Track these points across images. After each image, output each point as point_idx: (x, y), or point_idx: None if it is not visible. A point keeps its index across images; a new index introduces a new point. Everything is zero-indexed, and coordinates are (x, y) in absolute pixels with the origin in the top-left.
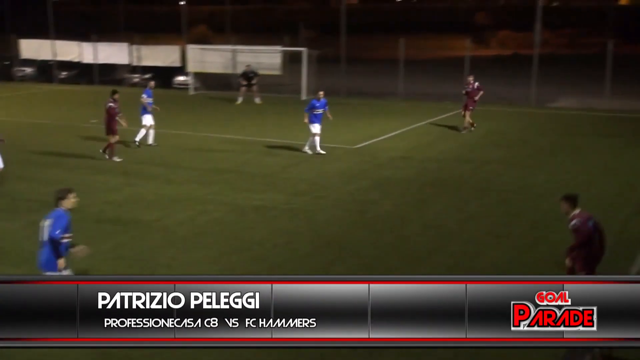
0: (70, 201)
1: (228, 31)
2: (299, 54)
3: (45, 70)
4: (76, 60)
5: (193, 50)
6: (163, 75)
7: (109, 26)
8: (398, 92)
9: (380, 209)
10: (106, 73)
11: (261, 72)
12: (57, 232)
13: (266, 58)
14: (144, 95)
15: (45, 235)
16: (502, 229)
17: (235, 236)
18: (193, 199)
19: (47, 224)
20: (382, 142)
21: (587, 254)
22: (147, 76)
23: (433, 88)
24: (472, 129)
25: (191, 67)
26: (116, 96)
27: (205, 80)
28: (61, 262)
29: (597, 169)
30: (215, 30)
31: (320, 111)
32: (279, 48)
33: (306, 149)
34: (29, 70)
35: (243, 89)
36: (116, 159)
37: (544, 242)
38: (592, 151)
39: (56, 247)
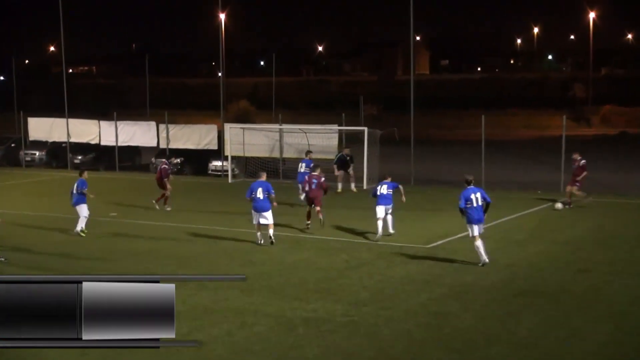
0: None
1: (274, 107)
2: (359, 134)
3: (57, 154)
4: (94, 142)
5: (232, 130)
6: (196, 160)
7: (134, 102)
8: (479, 180)
9: (459, 323)
10: (129, 157)
11: (314, 156)
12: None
13: (320, 139)
14: (303, 164)
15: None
16: (614, 349)
17: (281, 356)
18: (230, 309)
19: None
20: (461, 240)
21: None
22: (176, 161)
23: (522, 175)
24: (567, 206)
25: (230, 150)
26: (172, 159)
27: (247, 165)
28: None
29: None
30: (259, 106)
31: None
32: (335, 127)
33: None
34: (38, 154)
35: (340, 174)
36: (168, 208)
37: None
38: None
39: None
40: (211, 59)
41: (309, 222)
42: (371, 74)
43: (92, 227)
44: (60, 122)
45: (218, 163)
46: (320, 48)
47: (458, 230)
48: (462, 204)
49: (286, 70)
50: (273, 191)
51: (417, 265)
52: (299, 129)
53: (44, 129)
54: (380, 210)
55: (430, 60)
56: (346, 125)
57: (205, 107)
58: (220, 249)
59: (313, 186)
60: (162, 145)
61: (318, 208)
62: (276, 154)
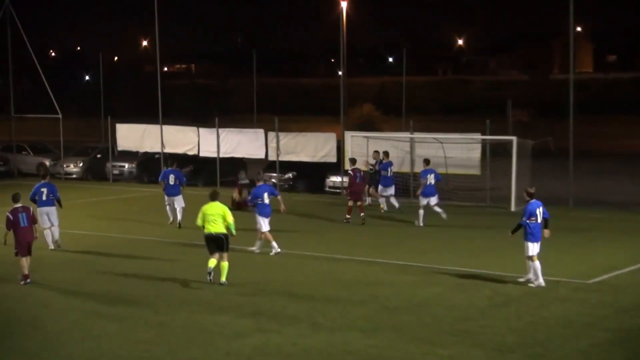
0: None
1: (404, 112)
2: (507, 144)
3: (149, 166)
4: (192, 152)
5: (355, 139)
6: (312, 175)
7: (238, 106)
8: None
9: None
10: (232, 170)
11: (451, 170)
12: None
13: (459, 150)
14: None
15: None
16: None
17: None
18: (349, 353)
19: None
20: (631, 275)
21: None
22: (288, 176)
23: None
24: None
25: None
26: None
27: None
28: None
29: None
30: (387, 111)
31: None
32: (477, 136)
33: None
34: (127, 166)
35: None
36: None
37: None
38: None
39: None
40: (330, 55)
41: (349, 216)
42: (522, 73)
43: (187, 254)
44: (153, 129)
45: (337, 179)
46: (460, 42)
47: (627, 263)
48: (525, 219)
49: (419, 68)
50: (277, 192)
51: (576, 305)
52: (434, 138)
53: (134, 137)
54: (425, 201)
55: (595, 55)
56: (491, 134)
57: (323, 112)
58: (337, 281)
59: (357, 180)
60: (272, 157)
61: (360, 203)
62: (406, 169)
